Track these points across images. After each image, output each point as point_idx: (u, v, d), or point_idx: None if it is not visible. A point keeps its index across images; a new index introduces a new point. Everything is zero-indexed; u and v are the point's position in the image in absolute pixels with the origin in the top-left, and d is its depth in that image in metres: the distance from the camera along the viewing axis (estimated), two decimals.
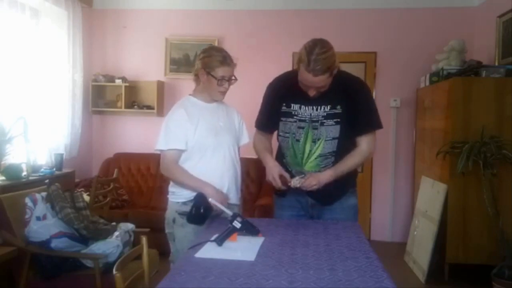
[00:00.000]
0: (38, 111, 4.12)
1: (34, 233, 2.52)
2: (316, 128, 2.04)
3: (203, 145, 2.06)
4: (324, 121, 2.03)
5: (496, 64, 3.97)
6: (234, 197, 2.19)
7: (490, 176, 3.34)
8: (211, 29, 4.92)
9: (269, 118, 2.18)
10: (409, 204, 4.72)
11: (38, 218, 2.55)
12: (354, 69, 4.82)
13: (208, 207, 2.01)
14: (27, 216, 2.55)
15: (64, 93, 4.40)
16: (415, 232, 4.07)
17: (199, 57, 2.11)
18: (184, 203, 2.07)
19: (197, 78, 2.14)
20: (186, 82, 4.99)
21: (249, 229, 1.79)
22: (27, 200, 2.57)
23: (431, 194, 3.87)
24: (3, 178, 3.28)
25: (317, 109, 2.03)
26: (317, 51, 1.83)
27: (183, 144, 2.04)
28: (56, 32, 4.29)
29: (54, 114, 4.30)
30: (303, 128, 2.06)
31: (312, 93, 1.96)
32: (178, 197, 2.11)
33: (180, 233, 2.09)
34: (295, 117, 2.07)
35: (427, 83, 4.24)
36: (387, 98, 4.76)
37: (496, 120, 3.52)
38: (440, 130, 3.83)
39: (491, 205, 3.35)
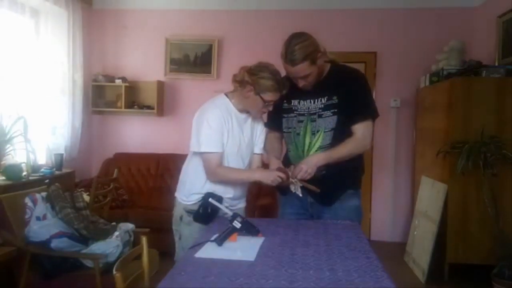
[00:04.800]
0: (38, 111, 4.12)
1: (34, 233, 2.52)
2: (314, 121, 2.07)
3: (225, 157, 2.08)
4: (322, 112, 2.06)
5: (496, 64, 3.97)
6: (242, 201, 2.25)
7: (490, 176, 3.35)
8: (211, 29, 4.92)
9: (275, 116, 2.21)
10: (409, 204, 4.72)
11: (38, 218, 2.55)
12: None
13: (215, 208, 2.03)
14: (27, 216, 2.55)
15: (64, 93, 4.40)
16: (415, 232, 4.07)
17: (250, 72, 2.01)
18: (193, 204, 2.10)
19: (237, 85, 2.06)
20: (186, 82, 5.00)
21: (249, 229, 1.79)
22: (27, 200, 2.57)
23: (431, 194, 3.87)
24: (3, 178, 3.28)
25: (314, 102, 2.07)
26: (293, 42, 1.91)
27: (223, 146, 2.04)
28: (56, 32, 4.29)
29: (54, 114, 4.30)
30: (302, 121, 2.10)
31: (301, 83, 2.01)
32: (186, 200, 2.13)
33: (186, 231, 2.11)
34: (295, 112, 2.12)
35: (427, 83, 4.24)
36: (387, 98, 4.76)
37: (496, 120, 3.52)
38: (440, 130, 3.83)
39: (491, 205, 3.35)
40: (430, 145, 4.03)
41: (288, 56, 1.91)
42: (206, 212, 2.03)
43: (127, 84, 4.80)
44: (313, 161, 1.98)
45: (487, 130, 3.43)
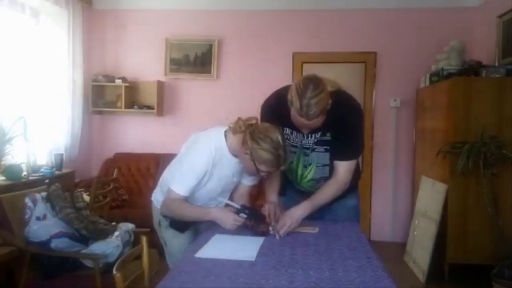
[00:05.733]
0: (38, 111, 4.12)
1: (34, 233, 2.53)
2: (307, 155, 2.05)
3: (207, 189, 1.99)
4: (315, 147, 2.02)
5: (496, 64, 3.97)
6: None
7: (490, 176, 3.34)
8: (211, 29, 4.92)
9: None
10: (409, 204, 4.72)
11: (38, 218, 2.55)
12: (354, 69, 4.87)
13: None
14: (27, 216, 2.55)
15: (64, 93, 4.40)
16: (415, 232, 4.07)
17: (252, 136, 1.79)
18: None
19: (236, 132, 1.87)
20: (186, 82, 5.00)
21: (257, 218, 1.84)
22: (27, 200, 2.57)
23: (431, 194, 3.87)
24: (3, 178, 3.28)
25: (307, 137, 2.00)
26: (308, 94, 1.72)
27: (192, 192, 1.93)
28: (56, 32, 4.29)
29: (54, 114, 4.30)
30: (294, 152, 2.06)
31: (305, 130, 1.94)
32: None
33: (168, 235, 2.08)
34: (287, 141, 2.03)
35: (427, 83, 4.23)
36: (387, 98, 4.76)
37: (496, 120, 3.52)
38: (440, 130, 3.83)
39: (491, 205, 3.35)
40: (430, 145, 4.03)
41: (304, 110, 1.73)
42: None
43: (127, 84, 4.80)
44: (297, 215, 1.91)
45: (487, 130, 3.43)
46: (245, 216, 1.77)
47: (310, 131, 1.95)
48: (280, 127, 1.89)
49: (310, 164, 2.05)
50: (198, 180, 1.88)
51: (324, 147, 2.00)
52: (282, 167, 1.86)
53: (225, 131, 1.94)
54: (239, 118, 1.90)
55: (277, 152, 1.77)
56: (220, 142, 1.91)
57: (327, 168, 2.05)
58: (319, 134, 1.98)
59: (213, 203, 2.04)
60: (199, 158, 1.88)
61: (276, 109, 1.97)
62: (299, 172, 2.10)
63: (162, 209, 1.97)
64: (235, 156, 1.93)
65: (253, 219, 1.80)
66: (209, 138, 1.93)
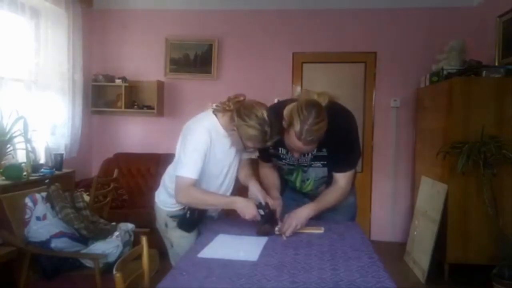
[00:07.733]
0: (38, 111, 4.11)
1: (34, 233, 2.52)
2: (305, 171, 2.08)
3: (209, 176, 1.99)
4: (312, 162, 2.03)
5: (496, 64, 3.97)
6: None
7: (490, 176, 3.34)
8: (211, 29, 4.92)
9: (264, 153, 2.12)
10: (409, 204, 4.72)
11: (38, 218, 2.55)
12: (354, 69, 4.87)
13: (201, 213, 2.00)
14: (27, 216, 2.55)
15: (64, 93, 4.39)
16: (415, 232, 4.07)
17: (238, 113, 1.84)
18: (180, 209, 2.03)
19: (225, 110, 1.92)
20: (186, 82, 5.00)
21: (270, 221, 1.85)
22: (27, 200, 2.57)
23: (431, 194, 3.87)
24: (3, 178, 3.27)
25: (304, 155, 2.00)
26: (311, 121, 1.72)
27: (200, 173, 1.92)
28: (56, 32, 4.28)
29: (54, 114, 4.30)
30: (293, 170, 2.10)
31: (296, 155, 1.93)
32: (169, 206, 2.07)
33: (175, 236, 2.07)
34: (283, 160, 2.07)
35: (427, 83, 4.24)
36: (387, 98, 4.76)
37: (496, 120, 3.52)
38: (440, 130, 3.83)
39: (491, 205, 3.35)
40: (430, 145, 4.03)
41: (304, 135, 1.73)
42: (192, 217, 1.98)
43: (127, 84, 4.80)
44: (303, 216, 1.91)
45: (487, 130, 3.43)
46: (262, 213, 1.79)
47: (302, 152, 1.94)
48: (276, 146, 1.94)
49: (308, 179, 2.09)
50: (203, 159, 1.89)
51: (321, 162, 2.02)
52: (269, 143, 1.86)
53: (214, 112, 1.97)
54: (228, 97, 1.94)
55: (262, 128, 1.80)
56: (213, 121, 1.95)
57: (325, 179, 2.08)
58: (314, 150, 1.97)
59: (219, 183, 2.03)
60: (198, 138, 1.89)
61: None
62: (298, 185, 2.14)
63: (179, 197, 1.91)
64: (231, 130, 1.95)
65: (266, 220, 1.81)
66: (201, 120, 1.97)
